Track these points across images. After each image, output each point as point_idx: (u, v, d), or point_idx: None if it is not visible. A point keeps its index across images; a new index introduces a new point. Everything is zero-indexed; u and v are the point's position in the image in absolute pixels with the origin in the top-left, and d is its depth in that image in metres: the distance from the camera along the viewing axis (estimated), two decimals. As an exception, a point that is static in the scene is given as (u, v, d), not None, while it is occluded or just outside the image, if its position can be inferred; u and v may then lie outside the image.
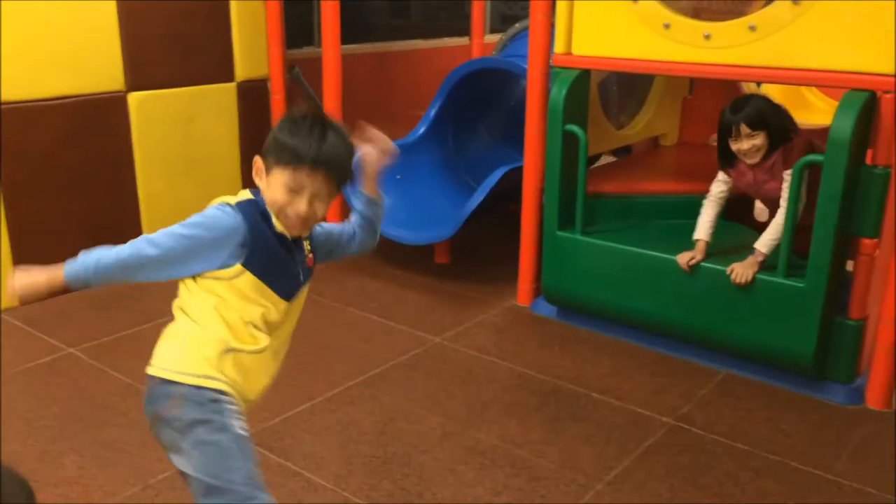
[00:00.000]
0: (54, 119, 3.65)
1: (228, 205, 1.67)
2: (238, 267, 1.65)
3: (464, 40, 5.69)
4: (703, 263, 3.06)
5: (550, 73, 3.46)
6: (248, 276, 1.67)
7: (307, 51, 4.80)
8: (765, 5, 3.34)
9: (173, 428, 1.68)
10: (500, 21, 6.19)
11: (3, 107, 3.45)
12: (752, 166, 2.97)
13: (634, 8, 3.13)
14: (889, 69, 2.64)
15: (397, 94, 5.35)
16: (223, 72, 4.30)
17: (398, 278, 4.13)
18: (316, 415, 2.83)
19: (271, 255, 1.69)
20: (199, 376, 1.69)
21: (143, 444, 2.63)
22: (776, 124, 2.90)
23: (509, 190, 3.92)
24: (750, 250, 2.96)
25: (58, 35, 3.59)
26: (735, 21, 2.95)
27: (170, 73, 4.05)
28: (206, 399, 1.68)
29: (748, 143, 2.90)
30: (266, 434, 2.70)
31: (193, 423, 1.66)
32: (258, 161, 1.69)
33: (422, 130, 4.55)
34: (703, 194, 3.15)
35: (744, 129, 2.89)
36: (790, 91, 4.48)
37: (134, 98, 3.92)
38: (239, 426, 1.71)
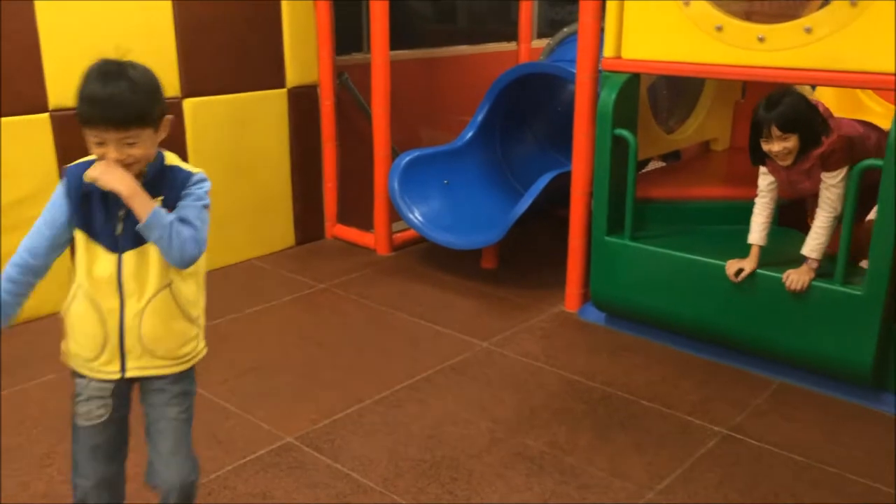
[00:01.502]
0: (112, 125, 3.75)
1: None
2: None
3: (511, 45, 5.69)
4: (758, 270, 3.00)
5: (599, 77, 3.44)
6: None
7: (356, 57, 4.84)
8: (821, 7, 3.28)
9: None
10: (548, 26, 6.16)
11: (59, 113, 3.55)
12: (786, 167, 2.89)
13: (686, 11, 3.09)
14: (952, 71, 2.57)
15: (445, 99, 5.36)
16: (274, 78, 4.37)
17: (445, 283, 4.14)
18: (364, 417, 2.85)
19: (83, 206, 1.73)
20: None
21: (196, 442, 2.68)
22: (809, 126, 2.80)
23: (556, 195, 3.91)
24: (803, 258, 2.90)
25: (116, 41, 3.66)
26: (790, 23, 2.89)
27: (223, 80, 4.13)
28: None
29: (779, 146, 2.80)
30: (315, 435, 2.73)
31: None
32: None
33: (469, 135, 4.57)
34: (754, 200, 3.09)
35: (775, 130, 2.79)
36: (846, 94, 4.37)
37: (189, 104, 4.00)
38: (87, 414, 1.83)
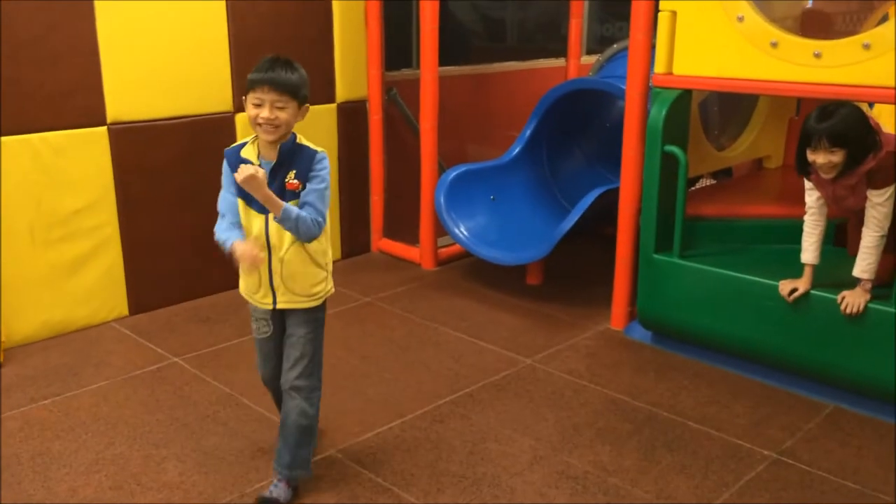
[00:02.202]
0: (168, 138, 3.85)
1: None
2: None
3: (560, 61, 5.68)
4: (811, 291, 2.93)
5: (650, 93, 3.41)
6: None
7: (405, 72, 4.89)
8: (880, 23, 3.20)
9: None
10: (598, 42, 6.14)
11: (117, 127, 3.65)
12: (832, 182, 2.83)
13: (739, 27, 3.05)
14: None
15: (493, 115, 5.37)
16: (325, 93, 4.43)
17: (490, 298, 4.12)
18: (406, 432, 2.85)
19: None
20: None
21: (241, 451, 2.71)
22: (859, 142, 2.73)
23: (604, 212, 3.87)
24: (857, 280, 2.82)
25: (174, 59, 3.78)
26: (848, 39, 2.83)
27: (274, 95, 4.20)
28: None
29: (824, 158, 2.75)
30: (357, 448, 2.74)
31: None
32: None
33: (516, 151, 4.56)
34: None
35: (824, 143, 2.74)
36: (906, 112, 4.26)
37: (241, 119, 4.08)
38: (257, 330, 2.46)
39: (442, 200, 4.24)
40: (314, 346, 2.42)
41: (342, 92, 4.50)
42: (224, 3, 3.91)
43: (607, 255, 3.76)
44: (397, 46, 4.89)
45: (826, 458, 2.67)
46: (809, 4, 3.85)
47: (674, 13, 3.22)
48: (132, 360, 3.40)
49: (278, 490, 2.43)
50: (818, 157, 2.77)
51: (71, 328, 3.68)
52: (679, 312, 3.35)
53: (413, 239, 4.68)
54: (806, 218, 2.98)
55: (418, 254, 4.63)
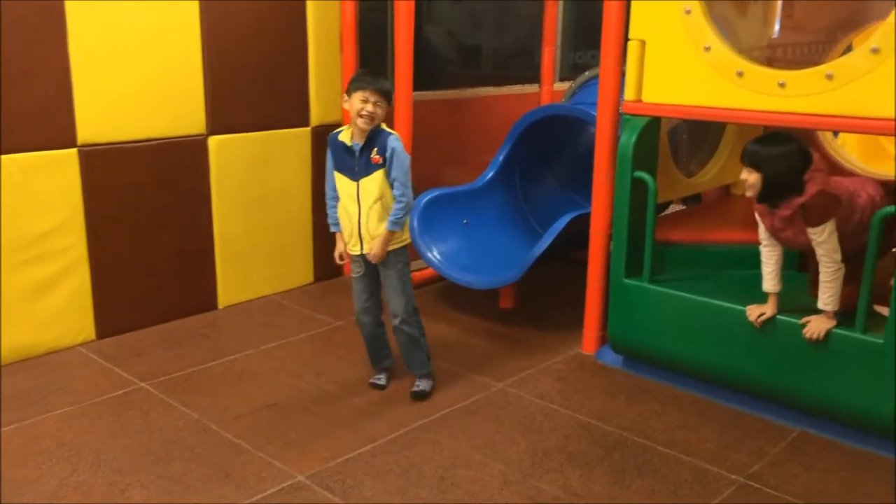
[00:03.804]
0: (139, 161, 3.82)
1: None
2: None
3: (533, 88, 5.74)
4: (777, 316, 2.97)
5: (620, 120, 3.46)
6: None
7: (380, 97, 4.91)
8: (843, 54, 3.28)
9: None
10: (570, 69, 6.22)
11: (87, 149, 3.63)
12: (769, 212, 2.91)
13: (706, 56, 3.11)
14: (975, 119, 2.55)
15: (467, 139, 5.41)
16: (299, 117, 4.44)
17: (462, 322, 4.13)
18: (377, 457, 2.83)
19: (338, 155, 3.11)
20: None
21: (207, 478, 2.67)
22: (774, 175, 2.80)
23: (576, 236, 3.90)
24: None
25: (147, 82, 3.78)
26: (812, 69, 2.90)
27: (249, 118, 4.21)
28: None
29: (744, 175, 2.87)
30: (327, 474, 2.71)
31: None
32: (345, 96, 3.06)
33: (490, 176, 4.59)
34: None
35: (744, 161, 2.86)
36: (868, 140, 4.35)
37: (214, 141, 4.07)
38: (353, 270, 3.24)
39: (415, 224, 4.25)
40: (402, 280, 3.16)
41: (317, 115, 4.51)
42: (198, 26, 3.91)
43: (579, 280, 3.79)
44: (373, 71, 4.91)
45: (792, 483, 2.70)
46: (775, 35, 3.94)
47: (643, 42, 3.28)
48: (98, 385, 3.35)
49: (422, 384, 3.30)
50: (742, 173, 2.88)
51: (37, 352, 3.63)
52: (649, 337, 3.38)
53: (386, 262, 4.67)
54: (761, 248, 3.03)
55: (391, 277, 4.62)
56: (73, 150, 3.59)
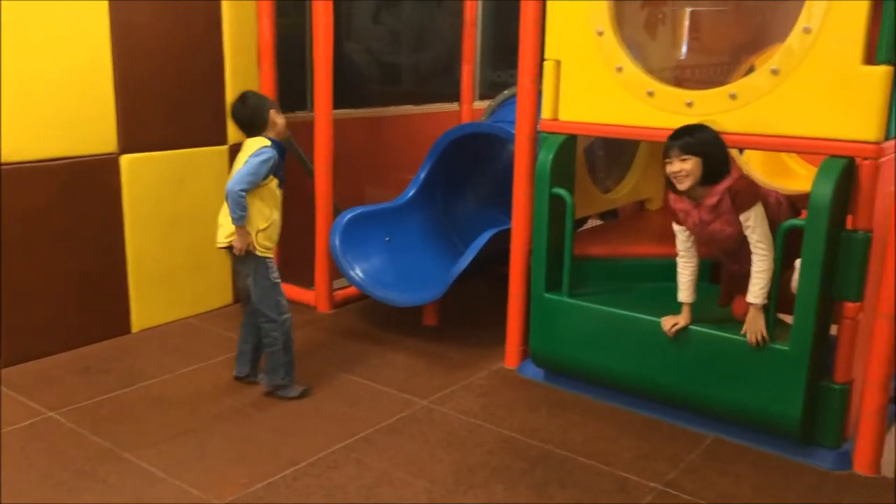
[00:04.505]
0: (47, 180, 3.68)
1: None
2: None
3: (454, 106, 5.80)
4: (690, 326, 3.07)
5: (538, 137, 3.52)
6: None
7: (300, 115, 4.87)
8: (745, 74, 3.44)
9: None
10: (489, 88, 6.32)
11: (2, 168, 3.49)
12: (696, 206, 2.95)
13: (619, 77, 3.21)
14: (867, 136, 2.71)
15: (388, 157, 5.42)
16: (216, 135, 4.36)
17: (386, 340, 4.11)
18: (299, 480, 2.78)
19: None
20: None
21: (120, 509, 2.57)
22: (712, 152, 2.87)
23: (497, 252, 3.94)
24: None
25: (53, 97, 3.64)
26: (717, 89, 3.03)
27: (163, 136, 4.10)
28: None
29: (677, 166, 2.88)
30: (247, 500, 2.65)
31: None
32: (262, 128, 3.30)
33: (411, 193, 4.60)
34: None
35: (676, 152, 2.88)
36: (772, 157, 4.56)
37: (126, 160, 3.96)
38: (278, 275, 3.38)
39: (337, 242, 4.22)
40: None
41: (234, 133, 4.42)
42: (108, 41, 3.80)
43: (502, 296, 3.83)
44: (291, 88, 4.89)
45: (708, 488, 2.78)
46: (683, 56, 4.10)
47: (558, 62, 3.36)
48: (4, 416, 3.19)
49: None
50: (673, 166, 2.89)
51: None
52: (569, 350, 3.44)
53: (308, 282, 4.62)
54: (678, 260, 3.12)
55: (313, 296, 4.57)
56: (-25, 170, 3.44)
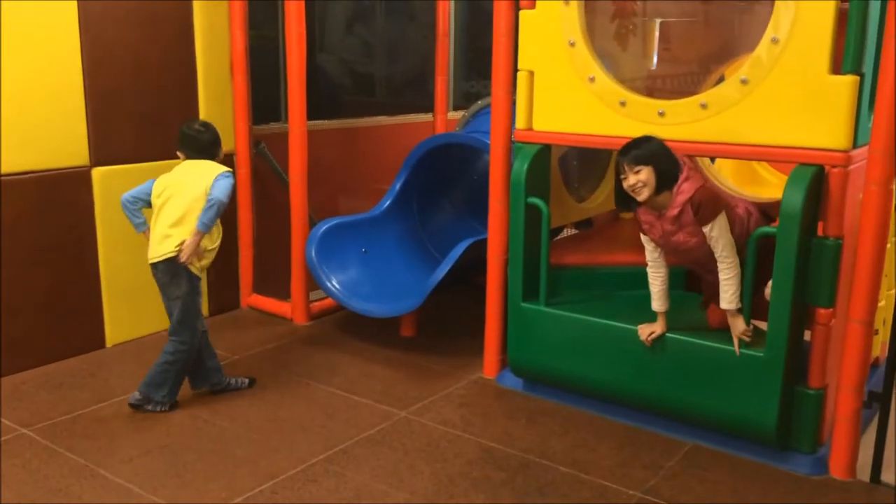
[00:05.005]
0: (16, 194, 3.62)
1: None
2: None
3: (428, 116, 5.82)
4: (666, 334, 3.09)
5: (512, 147, 3.54)
6: None
7: (274, 126, 4.86)
8: (716, 84, 3.49)
9: None
10: (463, 98, 6.35)
11: (-37, 182, 3.44)
12: (658, 217, 2.98)
13: (591, 87, 3.24)
14: (836, 144, 2.76)
15: (363, 168, 5.41)
16: (189, 147, 4.31)
17: (363, 352, 4.10)
18: (278, 494, 2.76)
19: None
20: None
21: (96, 528, 2.53)
22: (660, 160, 2.91)
23: (474, 262, 3.95)
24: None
25: (22, 110, 3.59)
26: (687, 99, 3.07)
27: (136, 149, 4.06)
28: None
29: (633, 179, 2.91)
30: (226, 515, 2.62)
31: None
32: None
33: (387, 204, 4.60)
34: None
35: (628, 166, 2.91)
36: (743, 166, 4.63)
37: (98, 173, 3.91)
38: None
39: (313, 254, 4.21)
40: None
41: (208, 145, 4.41)
42: (79, 52, 3.77)
43: (480, 305, 3.84)
44: (265, 100, 4.87)
45: (687, 494, 2.80)
46: (654, 67, 4.15)
47: (531, 73, 3.39)
48: (-27, 434, 3.13)
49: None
50: (628, 180, 2.92)
51: None
52: (547, 358, 3.45)
53: (284, 294, 4.59)
54: (648, 270, 3.15)
55: (290, 309, 4.55)
56: (-57, 184, 3.38)
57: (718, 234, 2.90)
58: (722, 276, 2.94)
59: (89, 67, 3.82)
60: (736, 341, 2.94)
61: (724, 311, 2.97)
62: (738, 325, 2.94)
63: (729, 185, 4.23)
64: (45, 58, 3.65)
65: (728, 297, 2.93)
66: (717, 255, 2.94)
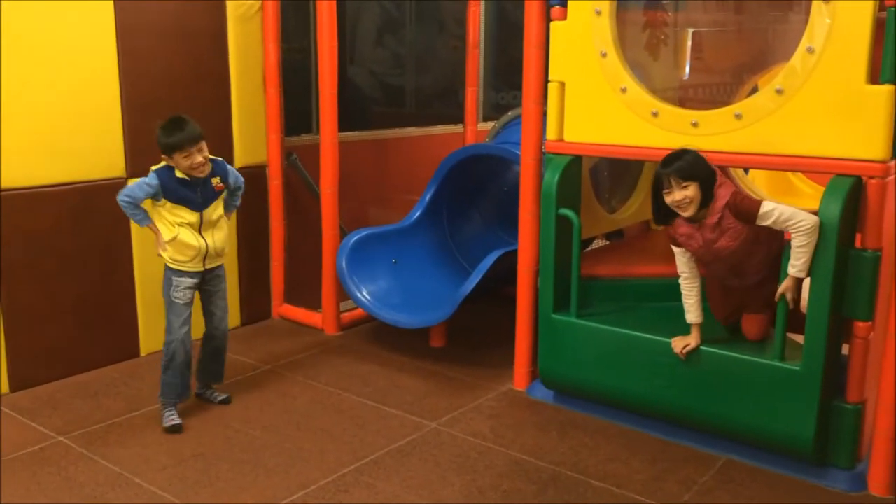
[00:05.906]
0: (54, 205, 3.70)
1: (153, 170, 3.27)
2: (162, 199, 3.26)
3: (458, 128, 5.83)
4: (701, 347, 3.06)
5: (543, 158, 3.54)
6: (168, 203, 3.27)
7: (305, 138, 4.90)
8: (750, 94, 3.46)
9: None
10: (493, 109, 6.36)
11: (3, 193, 3.50)
12: (698, 227, 2.94)
13: (623, 97, 3.23)
14: (873, 155, 2.71)
15: (393, 179, 5.44)
16: (222, 157, 4.35)
17: (393, 362, 4.10)
18: (309, 503, 2.77)
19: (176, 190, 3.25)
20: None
21: (131, 536, 2.56)
22: (706, 174, 2.88)
23: (504, 273, 3.95)
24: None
25: (61, 122, 3.67)
26: (722, 109, 3.04)
27: (170, 161, 4.12)
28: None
29: (680, 195, 2.87)
30: (258, 525, 2.64)
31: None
32: (164, 159, 3.27)
33: (417, 215, 4.62)
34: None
35: (675, 180, 2.87)
36: (777, 176, 4.58)
37: (134, 184, 3.97)
38: (184, 297, 3.39)
39: (344, 264, 4.23)
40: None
41: (241, 157, 4.46)
42: (116, 65, 3.84)
43: (510, 316, 3.82)
44: (297, 112, 4.92)
45: (721, 510, 2.76)
46: (686, 77, 4.13)
47: (562, 84, 3.39)
48: (12, 441, 3.18)
49: (223, 395, 3.59)
50: (675, 195, 2.88)
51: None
52: (578, 370, 3.43)
53: (315, 304, 4.62)
54: (681, 282, 3.11)
55: (320, 319, 4.57)
56: (-13, 196, 3.46)
57: (772, 208, 2.79)
58: (794, 242, 2.76)
59: (126, 81, 3.89)
60: (789, 298, 2.82)
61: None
62: (792, 291, 2.82)
63: (762, 195, 4.18)
64: (83, 73, 3.73)
65: (799, 264, 2.75)
66: (787, 227, 2.76)
